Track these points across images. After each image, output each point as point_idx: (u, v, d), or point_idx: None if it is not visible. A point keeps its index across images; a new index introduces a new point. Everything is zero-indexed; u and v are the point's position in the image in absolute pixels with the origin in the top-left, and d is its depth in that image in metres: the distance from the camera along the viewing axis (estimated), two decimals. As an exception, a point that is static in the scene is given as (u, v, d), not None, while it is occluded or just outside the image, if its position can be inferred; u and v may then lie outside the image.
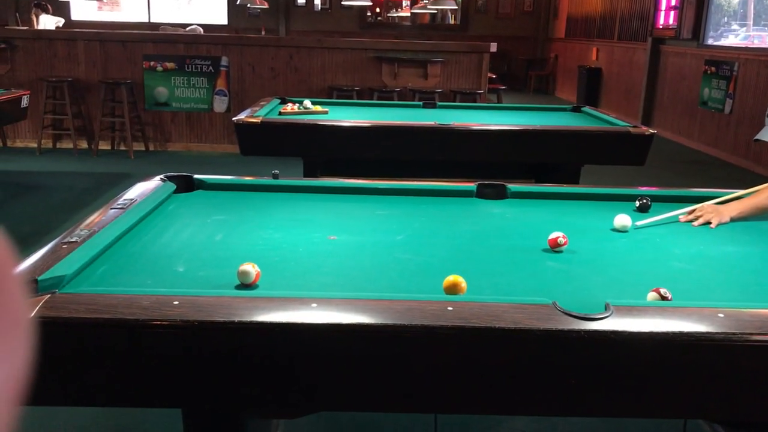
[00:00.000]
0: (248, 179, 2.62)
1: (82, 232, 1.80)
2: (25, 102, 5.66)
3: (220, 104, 7.60)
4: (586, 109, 4.83)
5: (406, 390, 1.46)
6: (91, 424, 2.62)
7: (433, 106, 5.02)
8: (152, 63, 7.46)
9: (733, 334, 1.36)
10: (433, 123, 3.90)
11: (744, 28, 9.09)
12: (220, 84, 7.54)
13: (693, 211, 2.31)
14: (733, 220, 2.27)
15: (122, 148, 7.61)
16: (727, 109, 8.14)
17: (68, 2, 13.89)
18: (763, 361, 1.41)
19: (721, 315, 1.41)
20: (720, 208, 2.29)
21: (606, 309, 1.42)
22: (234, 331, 1.34)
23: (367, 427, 2.61)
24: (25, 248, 1.75)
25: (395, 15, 15.35)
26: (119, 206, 2.08)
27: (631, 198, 2.46)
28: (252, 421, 1.74)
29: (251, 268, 1.59)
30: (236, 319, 1.34)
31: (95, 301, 1.39)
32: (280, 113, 4.25)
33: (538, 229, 2.12)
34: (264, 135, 3.84)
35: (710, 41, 9.12)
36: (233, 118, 3.92)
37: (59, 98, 7.33)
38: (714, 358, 1.39)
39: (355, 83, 7.54)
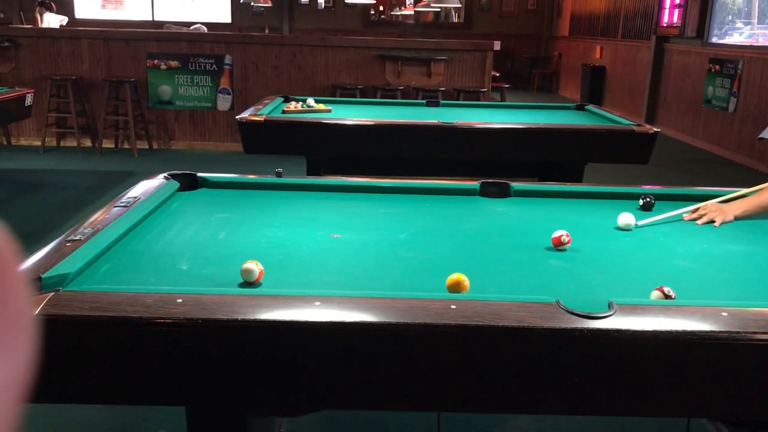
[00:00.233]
0: (251, 177, 2.62)
1: (85, 230, 1.81)
2: (29, 100, 5.67)
3: (223, 102, 7.60)
4: (590, 107, 4.82)
5: (409, 388, 1.46)
6: (94, 422, 2.62)
7: (437, 104, 5.02)
8: (156, 61, 7.47)
9: (737, 332, 1.36)
10: (436, 121, 3.90)
11: (748, 27, 9.06)
12: (224, 82, 7.55)
13: (697, 209, 2.30)
14: (737, 218, 2.26)
15: (126, 146, 7.62)
16: (731, 108, 8.12)
17: (72, 0, 13.91)
18: (766, 359, 1.40)
19: (724, 314, 1.41)
20: (724, 207, 2.29)
21: (609, 307, 1.41)
22: (237, 329, 1.35)
23: (370, 426, 2.62)
24: (29, 246, 1.75)
25: (399, 13, 15.34)
26: (123, 204, 2.08)
27: (635, 196, 2.46)
28: (255, 419, 1.74)
29: (254, 266, 1.59)
30: (239, 317, 1.35)
31: (99, 299, 1.39)
32: (284, 111, 4.25)
33: (541, 227, 2.12)
34: (267, 133, 3.84)
35: (714, 39, 9.10)
36: (237, 117, 3.92)
37: (63, 96, 7.35)
38: (717, 357, 1.39)
39: (359, 81, 7.54)
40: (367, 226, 2.15)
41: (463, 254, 1.92)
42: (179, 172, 2.52)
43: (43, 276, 1.47)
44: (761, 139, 2.59)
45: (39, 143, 7.41)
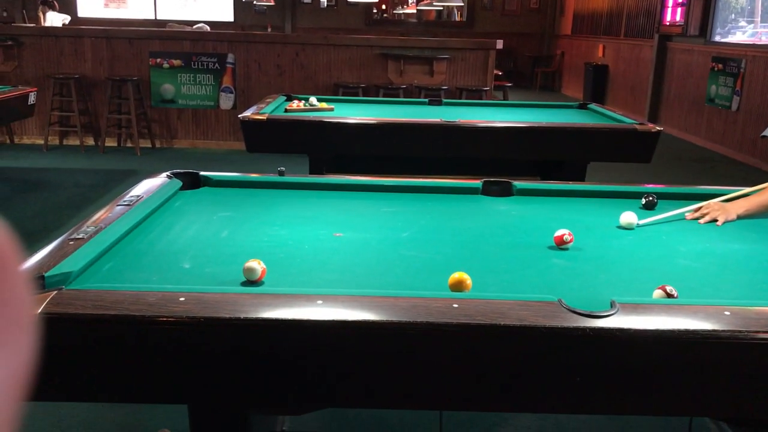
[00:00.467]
0: (254, 176, 2.63)
1: (88, 229, 1.81)
2: (32, 99, 5.68)
3: (226, 101, 7.61)
4: (593, 106, 4.81)
5: (411, 387, 1.46)
6: (97, 420, 2.63)
7: (439, 103, 5.02)
8: (158, 60, 7.47)
9: (739, 331, 1.36)
10: (438, 120, 3.89)
11: (751, 25, 9.05)
12: (226, 81, 7.55)
13: (699, 208, 2.30)
14: (739, 217, 2.26)
15: (129, 145, 7.63)
16: (734, 107, 8.11)
17: (75, -1, 13.91)
18: (769, 359, 1.40)
19: (727, 313, 1.41)
20: (726, 206, 2.29)
21: (612, 306, 1.41)
22: (240, 327, 1.35)
23: (372, 424, 2.62)
24: (32, 245, 1.76)
25: (401, 12, 15.32)
26: (126, 203, 2.08)
27: (638, 195, 2.46)
28: (257, 417, 1.74)
29: (257, 265, 1.59)
30: (242, 315, 1.35)
31: (102, 298, 1.39)
32: (286, 110, 4.25)
33: (543, 226, 2.12)
34: (270, 132, 3.85)
35: (717, 38, 9.08)
36: (239, 115, 3.92)
37: (66, 95, 7.36)
38: (720, 356, 1.39)
39: (361, 80, 7.54)
40: (370, 224, 2.15)
41: (466, 253, 1.92)
42: (182, 170, 2.52)
43: (46, 274, 1.47)
44: (763, 137, 2.59)
45: (42, 142, 7.42)
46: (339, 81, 7.51)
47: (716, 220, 2.23)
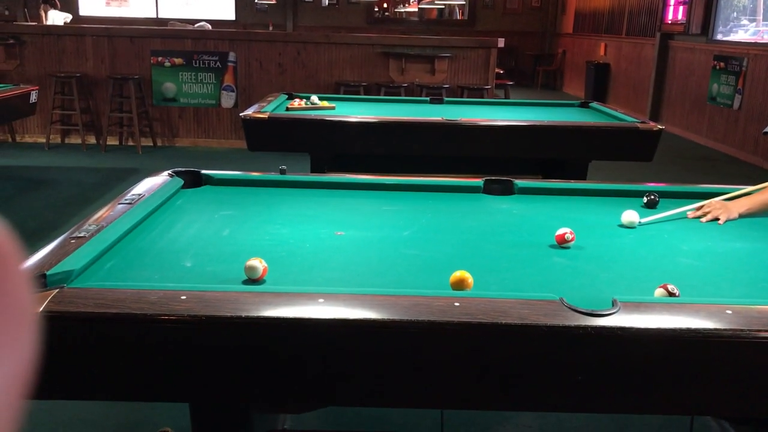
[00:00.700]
0: (255, 175, 2.63)
1: (90, 227, 1.81)
2: (33, 97, 5.68)
3: (227, 100, 7.61)
4: (594, 104, 4.81)
5: (412, 385, 1.46)
6: (99, 419, 2.63)
7: (441, 101, 5.02)
8: (160, 58, 7.48)
9: (741, 330, 1.36)
10: (440, 119, 3.89)
11: (753, 24, 9.03)
12: (228, 79, 7.55)
13: (701, 207, 2.30)
14: (741, 216, 2.26)
15: (130, 143, 7.63)
16: (736, 105, 8.10)
17: (76, -2, 13.91)
18: (771, 357, 1.40)
19: (729, 311, 1.40)
20: (728, 205, 2.28)
21: (613, 305, 1.41)
22: (241, 326, 1.35)
23: (373, 422, 2.62)
24: (34, 243, 1.76)
25: (403, 10, 15.32)
26: (127, 201, 2.08)
27: (639, 194, 2.46)
28: (259, 416, 1.74)
29: (258, 264, 1.59)
30: (243, 314, 1.35)
31: (103, 296, 1.39)
32: (288, 109, 4.25)
33: (545, 225, 2.12)
34: (271, 130, 3.85)
35: (719, 36, 9.07)
36: (240, 114, 3.92)
37: (67, 94, 7.36)
38: (722, 355, 1.39)
39: (363, 79, 7.54)
40: (371, 223, 2.15)
41: (467, 252, 1.92)
42: (183, 169, 2.52)
43: (48, 273, 1.47)
44: (765, 133, 2.59)
45: (43, 140, 7.42)
46: (340, 79, 7.51)
47: (718, 219, 2.23)
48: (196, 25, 8.81)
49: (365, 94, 6.99)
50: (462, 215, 2.29)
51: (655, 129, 3.86)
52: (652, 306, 1.44)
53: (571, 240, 1.93)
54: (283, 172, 2.59)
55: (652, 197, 2.39)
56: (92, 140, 7.59)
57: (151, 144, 7.62)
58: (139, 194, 2.17)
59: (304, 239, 1.97)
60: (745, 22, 9.19)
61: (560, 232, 1.94)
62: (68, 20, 10.46)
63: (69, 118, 7.53)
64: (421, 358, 1.41)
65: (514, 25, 15.27)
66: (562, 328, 1.35)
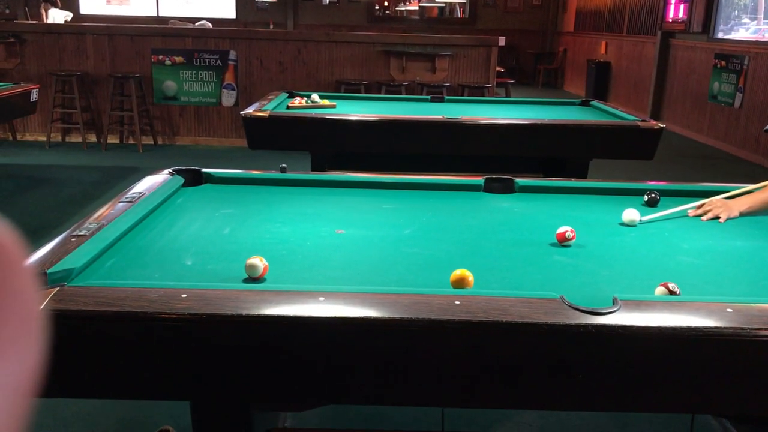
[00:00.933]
0: (256, 173, 2.63)
1: (90, 226, 1.81)
2: (34, 96, 5.68)
3: (228, 98, 7.61)
4: (595, 103, 4.81)
5: (413, 384, 1.46)
6: (99, 417, 2.63)
7: (441, 100, 5.01)
8: (161, 57, 7.48)
9: (742, 329, 1.35)
10: (440, 117, 3.89)
11: (755, 22, 9.02)
12: (228, 78, 7.55)
13: (702, 205, 2.30)
14: (742, 214, 2.26)
15: (131, 141, 7.63)
16: (737, 103, 8.09)
17: (77, -4, 13.91)
18: (771, 356, 1.40)
19: (729, 310, 1.40)
20: (729, 203, 2.28)
21: (614, 303, 1.41)
22: (241, 324, 1.35)
23: (373, 421, 2.62)
24: (34, 241, 1.76)
25: (403, 9, 15.31)
26: (128, 200, 2.08)
27: (640, 192, 2.45)
28: (259, 414, 1.75)
29: (259, 262, 1.59)
30: (244, 312, 1.35)
31: (103, 294, 1.39)
32: (288, 107, 4.25)
33: (545, 223, 2.12)
34: (272, 129, 3.85)
35: (720, 35, 9.06)
36: (241, 112, 3.92)
37: (68, 92, 7.36)
38: (722, 353, 1.39)
39: (363, 77, 7.53)
40: (372, 221, 2.15)
41: (467, 250, 1.92)
42: (184, 167, 2.52)
43: (48, 271, 1.47)
44: (766, 131, 2.59)
45: (44, 139, 7.42)
46: (341, 78, 7.51)
47: (719, 218, 2.23)
48: (196, 24, 8.81)
49: (366, 93, 6.99)
50: (463, 214, 2.29)
51: (655, 127, 3.86)
52: (653, 304, 1.44)
53: (572, 238, 1.93)
54: (283, 170, 2.58)
55: (653, 196, 2.38)
56: (93, 138, 7.59)
57: (152, 142, 7.62)
58: (140, 192, 2.17)
59: (304, 238, 1.97)
60: (746, 20, 9.17)
61: (561, 230, 1.94)
62: (69, 19, 10.46)
63: (70, 117, 7.53)
64: (422, 356, 1.41)
65: (515, 23, 15.26)
66: (562, 326, 1.35)
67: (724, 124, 8.42)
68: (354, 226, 2.10)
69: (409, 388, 1.47)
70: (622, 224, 2.17)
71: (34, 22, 9.86)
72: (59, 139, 7.63)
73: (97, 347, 1.41)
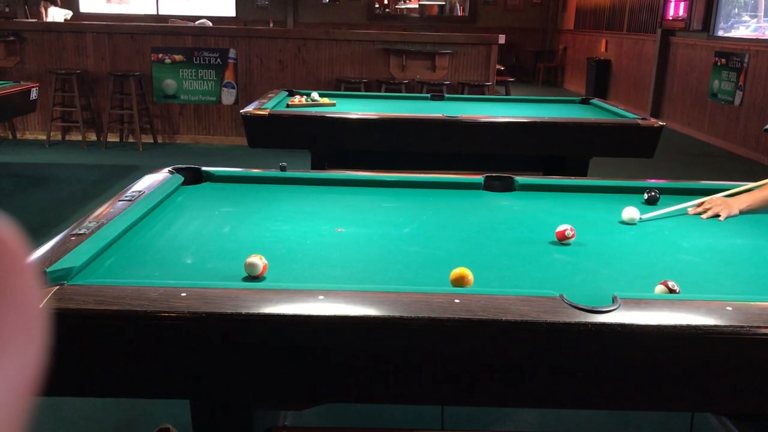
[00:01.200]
0: (256, 171, 2.63)
1: (90, 224, 1.81)
2: (34, 94, 5.68)
3: (228, 96, 7.61)
4: (595, 101, 4.80)
5: (413, 382, 1.46)
6: (99, 415, 2.63)
7: (441, 98, 5.01)
8: (160, 55, 7.47)
9: (741, 327, 1.35)
10: (440, 115, 3.89)
11: (755, 20, 9.01)
12: (228, 76, 7.55)
13: (701, 203, 2.30)
14: (742, 213, 2.26)
15: (131, 140, 7.63)
16: (737, 101, 8.09)
17: (77, -6, 13.90)
18: (771, 354, 1.40)
19: (729, 308, 1.40)
20: (729, 201, 2.28)
21: (613, 302, 1.41)
22: (241, 322, 1.35)
23: (373, 419, 2.62)
24: (34, 240, 1.75)
25: (403, 7, 15.30)
26: (127, 198, 2.08)
27: (640, 190, 2.46)
28: (259, 413, 1.75)
29: (259, 261, 1.59)
30: (243, 311, 1.35)
31: (103, 293, 1.39)
32: (288, 105, 4.25)
33: (545, 221, 2.12)
34: (272, 127, 3.84)
35: (720, 33, 9.05)
36: (241, 111, 3.92)
37: (68, 90, 7.36)
38: (722, 352, 1.39)
39: (363, 75, 7.53)
40: (371, 220, 2.15)
41: (467, 248, 1.92)
42: (183, 166, 2.52)
43: (48, 270, 1.47)
44: (766, 130, 2.59)
45: (44, 137, 7.42)
46: (341, 76, 7.50)
47: (719, 216, 2.23)
48: (197, 23, 8.81)
49: (366, 91, 6.98)
50: (462, 212, 2.29)
51: (655, 125, 3.86)
52: (653, 303, 1.44)
53: (572, 237, 1.93)
54: (283, 168, 2.58)
55: (653, 194, 2.38)
56: (93, 137, 7.58)
57: (152, 141, 7.62)
58: (140, 191, 2.17)
59: (304, 236, 1.97)
60: (746, 18, 9.17)
61: (561, 228, 1.94)
62: (68, 17, 10.45)
63: (69, 115, 7.52)
64: (422, 354, 1.41)
65: (514, 21, 15.25)
66: (562, 324, 1.35)
67: (724, 122, 8.42)
68: (354, 224, 2.09)
69: (408, 387, 1.47)
70: (622, 222, 2.17)
71: (34, 20, 9.85)
72: (59, 137, 7.63)
73: (96, 346, 1.41)
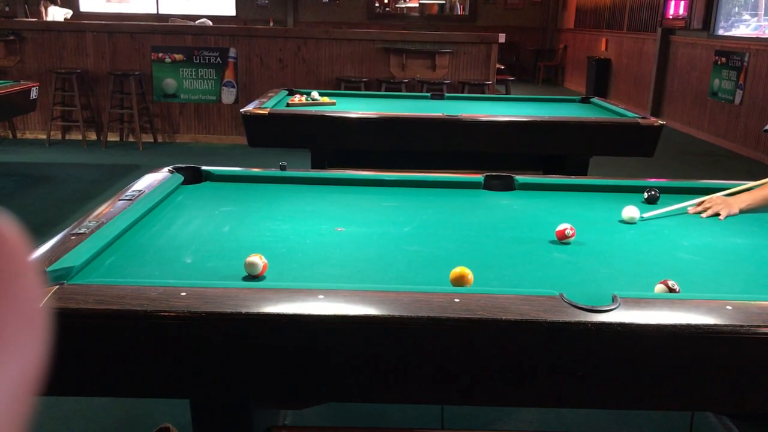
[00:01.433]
0: (256, 171, 2.63)
1: (90, 224, 1.81)
2: (34, 94, 5.68)
3: (228, 96, 7.60)
4: (595, 100, 4.80)
5: (413, 381, 1.46)
6: (99, 415, 2.63)
7: (441, 97, 5.01)
8: (160, 54, 7.47)
9: (741, 326, 1.35)
10: (441, 114, 3.89)
11: (755, 18, 9.01)
12: (228, 75, 7.54)
13: (702, 202, 2.30)
14: (742, 212, 2.26)
15: (131, 139, 7.63)
16: (738, 100, 8.09)
17: (77, -6, 13.90)
18: (771, 353, 1.40)
19: (729, 307, 1.40)
20: (729, 200, 2.28)
21: (613, 301, 1.41)
22: (241, 322, 1.35)
23: (373, 418, 2.62)
24: (34, 239, 1.75)
25: (403, 6, 15.30)
26: (127, 198, 2.08)
27: (640, 190, 2.46)
28: (259, 412, 1.75)
29: (258, 260, 1.59)
30: (243, 310, 1.35)
31: (103, 293, 1.39)
32: (288, 104, 4.25)
33: (545, 220, 2.12)
34: (272, 126, 3.84)
35: (721, 31, 9.05)
36: (241, 110, 3.92)
37: (68, 90, 7.36)
38: (722, 351, 1.39)
39: (363, 74, 7.53)
40: (371, 219, 2.15)
41: (467, 248, 1.92)
42: (183, 165, 2.52)
43: (48, 269, 1.47)
44: (765, 131, 2.58)
45: (44, 136, 7.42)
46: (341, 75, 7.50)
47: (719, 215, 2.23)
48: (196, 22, 8.80)
49: (366, 90, 6.98)
50: (462, 211, 2.29)
51: (656, 124, 3.86)
52: (653, 302, 1.44)
53: (572, 236, 1.93)
54: (283, 168, 2.58)
55: (653, 193, 2.38)
56: (93, 136, 7.58)
57: (152, 140, 7.62)
58: (140, 190, 2.17)
59: (304, 235, 1.97)
60: (746, 17, 9.16)
61: (560, 227, 1.94)
62: (68, 16, 10.45)
63: (69, 115, 7.52)
64: (422, 353, 1.41)
65: (515, 20, 15.25)
66: (562, 324, 1.35)
67: (724, 121, 8.42)
68: (354, 223, 2.09)
69: (408, 386, 1.48)
70: (622, 221, 2.17)
71: (34, 19, 9.85)
72: (59, 137, 7.63)
73: (96, 346, 1.41)
